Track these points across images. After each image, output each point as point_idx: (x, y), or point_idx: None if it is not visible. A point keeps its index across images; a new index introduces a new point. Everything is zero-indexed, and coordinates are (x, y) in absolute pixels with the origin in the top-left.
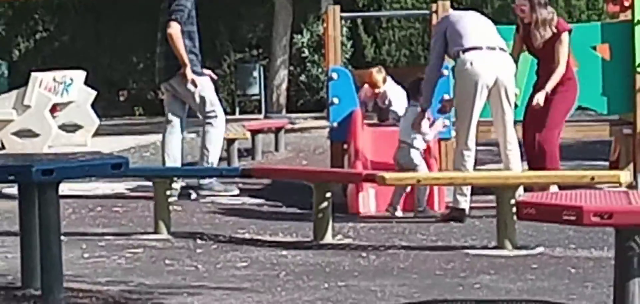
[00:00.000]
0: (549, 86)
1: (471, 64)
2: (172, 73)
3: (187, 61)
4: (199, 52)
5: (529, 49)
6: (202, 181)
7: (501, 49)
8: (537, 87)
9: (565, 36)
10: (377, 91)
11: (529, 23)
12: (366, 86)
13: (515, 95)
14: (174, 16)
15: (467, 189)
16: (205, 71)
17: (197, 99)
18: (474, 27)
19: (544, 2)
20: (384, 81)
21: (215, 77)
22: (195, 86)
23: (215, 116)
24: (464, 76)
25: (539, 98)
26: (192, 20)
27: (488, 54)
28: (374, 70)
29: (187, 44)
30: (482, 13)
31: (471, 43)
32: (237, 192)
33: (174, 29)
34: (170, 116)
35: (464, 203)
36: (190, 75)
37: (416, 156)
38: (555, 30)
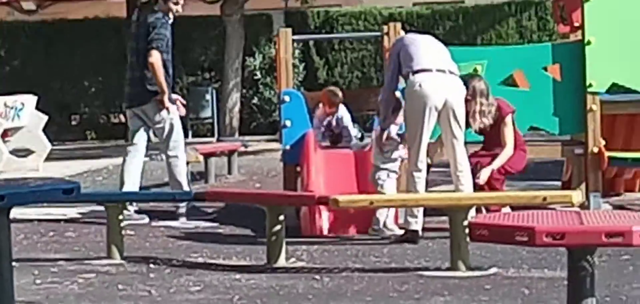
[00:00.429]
0: (496, 165)
1: (420, 85)
2: (146, 99)
3: (166, 89)
4: (170, 80)
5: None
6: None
7: (451, 72)
8: (481, 156)
9: (509, 119)
10: (332, 110)
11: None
12: (321, 106)
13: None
14: (155, 44)
15: (418, 211)
16: (174, 96)
17: (167, 128)
18: (426, 49)
19: (486, 92)
20: (339, 101)
21: (184, 102)
22: (169, 113)
23: (178, 147)
24: (413, 97)
25: (484, 175)
26: (169, 49)
27: (437, 76)
28: (331, 90)
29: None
30: (434, 35)
31: (421, 65)
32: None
33: (156, 58)
34: (136, 139)
35: (416, 224)
36: (167, 102)
37: (382, 176)
38: (496, 115)
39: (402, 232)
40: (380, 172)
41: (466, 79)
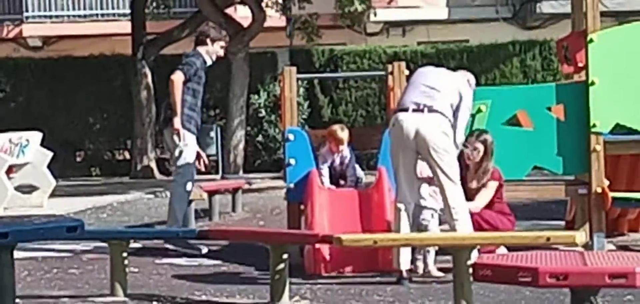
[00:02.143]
0: (472, 205)
1: (393, 124)
2: (166, 124)
3: (178, 111)
4: (199, 114)
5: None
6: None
7: (431, 109)
8: None
9: (492, 184)
10: (340, 148)
11: (469, 165)
12: (328, 144)
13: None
14: (180, 67)
15: (406, 251)
16: (198, 149)
17: (176, 153)
18: (414, 87)
19: (491, 153)
20: (347, 139)
21: (206, 163)
22: (179, 139)
23: (182, 175)
24: (390, 135)
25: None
26: (199, 80)
27: (411, 115)
28: (337, 127)
29: (187, 100)
30: None
31: (401, 104)
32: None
33: (176, 76)
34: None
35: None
36: (177, 125)
37: (427, 217)
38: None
39: (441, 274)
40: (425, 212)
41: (481, 132)
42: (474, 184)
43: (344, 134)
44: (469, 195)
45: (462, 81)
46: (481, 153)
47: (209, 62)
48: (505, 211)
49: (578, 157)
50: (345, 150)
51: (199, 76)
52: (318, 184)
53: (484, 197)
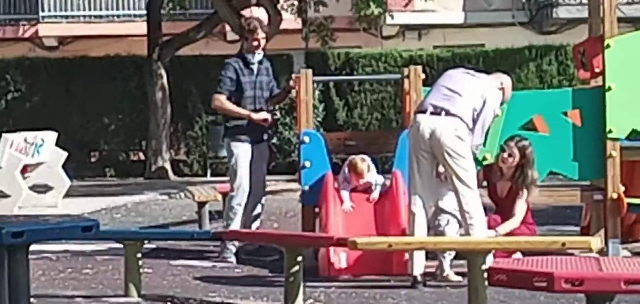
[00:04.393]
0: (501, 230)
1: (411, 126)
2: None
3: (243, 113)
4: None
5: (489, 193)
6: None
7: (449, 113)
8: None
9: (526, 193)
10: (362, 181)
11: (502, 169)
12: (351, 174)
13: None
14: (217, 89)
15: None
16: (261, 114)
17: (231, 166)
18: (436, 89)
19: (532, 162)
20: (368, 169)
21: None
22: (232, 155)
23: (236, 190)
24: (408, 136)
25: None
26: (239, 86)
27: (428, 117)
28: (358, 160)
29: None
30: None
31: (420, 106)
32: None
33: (216, 102)
34: None
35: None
36: (257, 117)
37: (443, 222)
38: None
39: (458, 279)
40: (442, 217)
41: (521, 139)
42: (505, 189)
43: (364, 165)
44: (500, 200)
45: (489, 85)
46: (516, 159)
47: (254, 59)
48: (528, 220)
49: (594, 162)
50: (371, 175)
51: (239, 82)
52: (333, 187)
53: (520, 210)
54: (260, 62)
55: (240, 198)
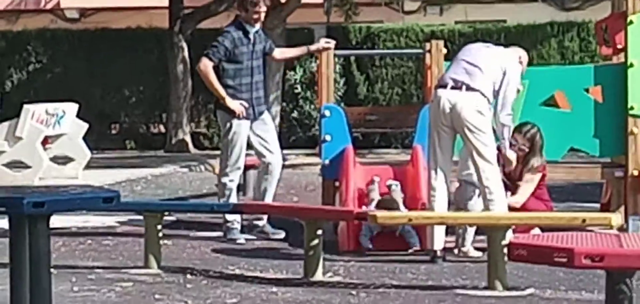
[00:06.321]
0: (513, 200)
1: (432, 100)
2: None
3: (219, 92)
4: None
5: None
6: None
7: (470, 87)
8: None
9: (536, 177)
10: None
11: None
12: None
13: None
14: (209, 52)
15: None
16: (234, 104)
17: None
18: (456, 63)
19: (540, 148)
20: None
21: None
22: (230, 126)
23: (227, 167)
24: (429, 111)
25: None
26: (237, 57)
27: (449, 92)
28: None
29: (228, 84)
30: None
31: (441, 80)
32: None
33: (202, 64)
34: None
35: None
36: (231, 105)
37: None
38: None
39: (479, 254)
40: (468, 189)
41: (528, 129)
42: (516, 170)
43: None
44: (512, 180)
45: (508, 58)
46: (526, 149)
47: (251, 30)
48: (543, 197)
49: (615, 139)
50: (396, 192)
51: (235, 53)
52: (353, 161)
53: (526, 191)
54: (255, 31)
55: (234, 175)
